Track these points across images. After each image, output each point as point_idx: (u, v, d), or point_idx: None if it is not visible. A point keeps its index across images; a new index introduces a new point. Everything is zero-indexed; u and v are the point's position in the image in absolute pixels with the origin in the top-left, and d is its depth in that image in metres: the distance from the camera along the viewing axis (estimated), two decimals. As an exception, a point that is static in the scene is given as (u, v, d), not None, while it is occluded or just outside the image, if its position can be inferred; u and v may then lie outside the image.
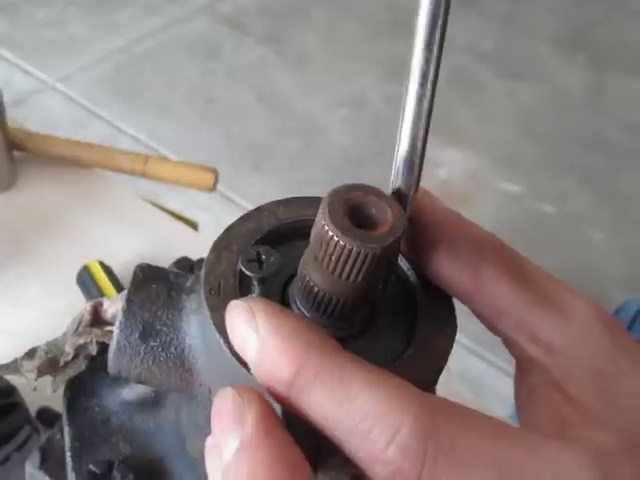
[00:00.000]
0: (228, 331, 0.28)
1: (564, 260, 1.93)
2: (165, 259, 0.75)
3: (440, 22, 0.25)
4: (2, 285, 0.81)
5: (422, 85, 0.26)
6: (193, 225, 0.97)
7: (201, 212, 1.65)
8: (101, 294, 0.79)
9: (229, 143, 2.18)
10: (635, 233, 2.04)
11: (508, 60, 2.59)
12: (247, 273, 0.29)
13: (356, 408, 0.25)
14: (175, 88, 2.35)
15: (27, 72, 2.32)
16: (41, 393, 0.40)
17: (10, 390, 0.65)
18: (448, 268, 0.30)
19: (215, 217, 1.81)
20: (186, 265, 0.71)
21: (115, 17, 2.58)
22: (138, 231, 0.88)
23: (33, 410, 0.68)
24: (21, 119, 1.05)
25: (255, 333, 0.26)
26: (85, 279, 0.80)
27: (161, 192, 1.45)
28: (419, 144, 0.28)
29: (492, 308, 0.30)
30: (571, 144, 2.30)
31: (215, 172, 0.92)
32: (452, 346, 0.30)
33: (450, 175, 2.14)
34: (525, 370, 0.30)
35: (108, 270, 0.80)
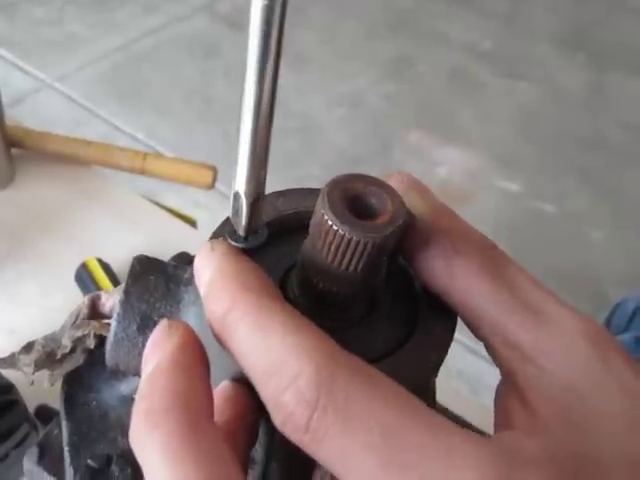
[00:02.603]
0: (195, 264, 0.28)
1: (563, 259, 1.93)
2: (163, 256, 0.74)
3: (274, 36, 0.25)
4: (0, 283, 0.81)
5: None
6: (192, 223, 0.97)
7: (200, 210, 1.65)
8: (99, 291, 0.79)
9: (228, 141, 2.18)
10: (635, 233, 2.04)
11: (507, 59, 2.59)
12: (232, 244, 0.29)
13: (268, 349, 0.25)
14: (174, 87, 2.35)
15: (25, 71, 2.32)
16: (40, 391, 0.40)
17: (9, 388, 0.65)
18: (423, 256, 0.29)
19: (214, 215, 1.81)
20: (185, 259, 0.71)
21: (114, 16, 2.57)
22: (136, 229, 0.88)
23: (32, 408, 0.67)
24: (19, 118, 1.05)
25: (209, 268, 0.28)
26: (83, 276, 0.80)
27: (160, 190, 1.45)
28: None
29: (468, 307, 0.29)
30: (571, 143, 2.30)
31: (214, 169, 0.92)
32: (453, 336, 0.29)
33: (449, 174, 2.14)
34: (502, 374, 0.29)
35: (106, 267, 0.80)
